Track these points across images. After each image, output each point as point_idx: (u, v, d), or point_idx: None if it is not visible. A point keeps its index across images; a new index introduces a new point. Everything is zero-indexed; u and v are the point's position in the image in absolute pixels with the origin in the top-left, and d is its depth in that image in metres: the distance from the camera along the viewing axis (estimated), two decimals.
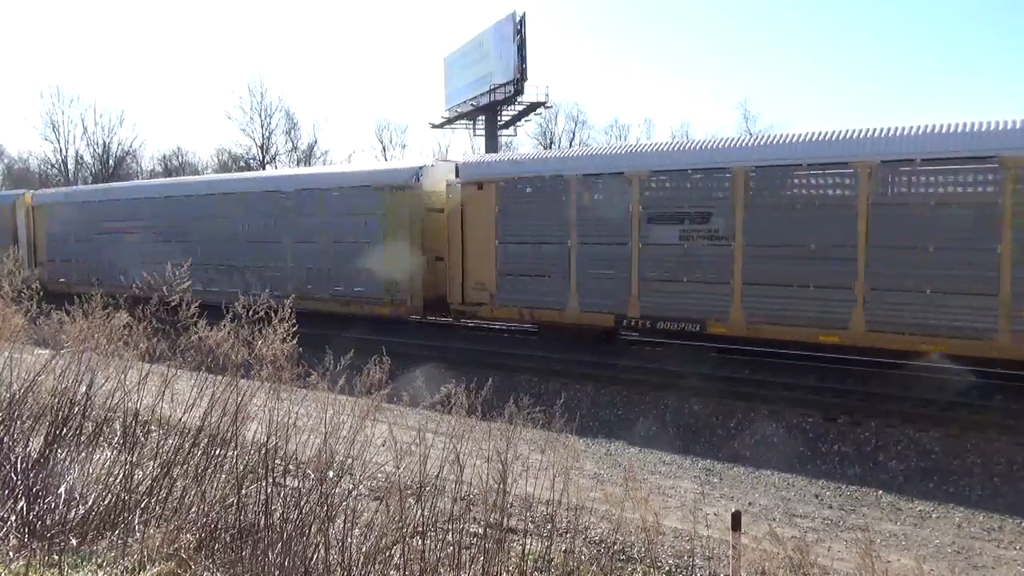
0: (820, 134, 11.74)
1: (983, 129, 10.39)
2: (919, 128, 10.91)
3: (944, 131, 10.67)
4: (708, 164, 12.57)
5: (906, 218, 10.78)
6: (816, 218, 11.49)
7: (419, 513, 4.83)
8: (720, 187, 12.30)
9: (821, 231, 11.43)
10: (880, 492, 8.29)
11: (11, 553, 4.46)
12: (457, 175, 15.71)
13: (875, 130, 11.20)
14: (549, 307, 14.16)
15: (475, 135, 49.87)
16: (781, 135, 12.69)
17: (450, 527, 4.95)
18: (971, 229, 10.36)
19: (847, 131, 11.44)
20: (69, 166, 59.89)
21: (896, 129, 11.06)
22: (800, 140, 11.91)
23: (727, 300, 12.24)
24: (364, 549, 4.71)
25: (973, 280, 10.33)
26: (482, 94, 42.29)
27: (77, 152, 60.30)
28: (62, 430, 5.75)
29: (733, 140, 13.71)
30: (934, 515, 7.67)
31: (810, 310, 11.55)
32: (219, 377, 5.63)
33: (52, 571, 4.25)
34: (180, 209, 21.23)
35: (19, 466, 5.38)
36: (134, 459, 5.42)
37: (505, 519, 4.99)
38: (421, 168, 16.63)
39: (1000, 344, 10.18)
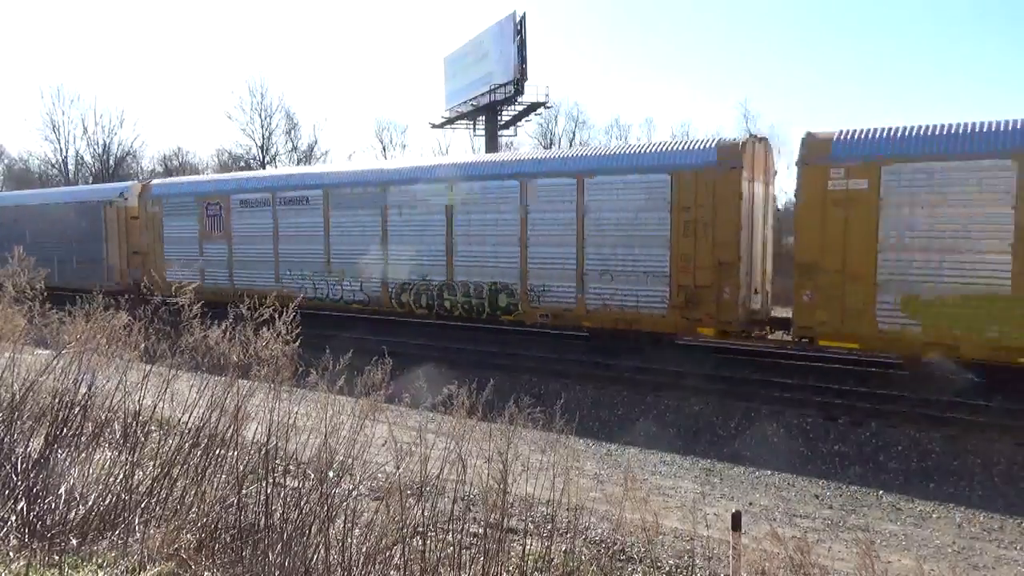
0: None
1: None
2: None
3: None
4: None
5: None
6: None
7: (419, 513, 4.83)
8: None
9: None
10: (880, 492, 8.28)
11: (11, 553, 4.46)
12: None
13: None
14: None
15: (475, 135, 49.79)
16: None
17: (450, 527, 4.95)
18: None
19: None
20: (69, 166, 59.89)
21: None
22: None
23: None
24: (364, 549, 4.71)
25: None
26: (482, 94, 42.21)
27: (77, 152, 60.21)
28: (62, 430, 5.74)
29: None
30: (934, 515, 7.67)
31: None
32: (219, 377, 5.63)
33: (52, 571, 4.25)
34: None
35: (19, 466, 5.37)
36: (134, 459, 5.42)
37: (505, 519, 4.99)
38: None
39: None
